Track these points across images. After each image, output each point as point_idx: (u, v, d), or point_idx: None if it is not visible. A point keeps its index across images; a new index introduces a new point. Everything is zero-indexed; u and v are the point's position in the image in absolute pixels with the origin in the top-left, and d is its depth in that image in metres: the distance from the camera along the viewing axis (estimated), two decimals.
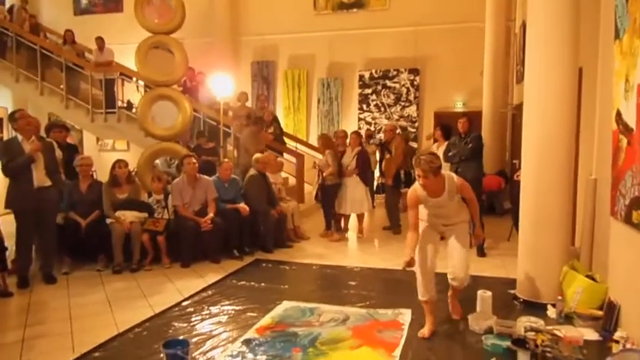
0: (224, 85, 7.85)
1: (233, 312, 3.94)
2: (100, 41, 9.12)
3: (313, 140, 10.07)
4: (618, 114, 3.33)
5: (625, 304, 3.26)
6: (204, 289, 4.50)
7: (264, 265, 5.41)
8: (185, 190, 5.48)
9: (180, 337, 3.30)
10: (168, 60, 6.80)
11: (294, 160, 8.60)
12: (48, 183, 4.61)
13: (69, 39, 9.49)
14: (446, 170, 3.95)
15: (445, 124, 6.70)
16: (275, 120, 9.02)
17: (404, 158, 7.09)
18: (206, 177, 5.68)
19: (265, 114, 8.66)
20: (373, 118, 10.75)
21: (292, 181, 8.58)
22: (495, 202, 8.34)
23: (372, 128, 10.53)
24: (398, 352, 3.18)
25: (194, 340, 3.35)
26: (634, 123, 3.03)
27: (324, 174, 6.54)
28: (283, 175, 7.66)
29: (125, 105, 8.78)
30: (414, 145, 10.27)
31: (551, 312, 3.76)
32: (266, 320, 3.74)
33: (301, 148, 9.55)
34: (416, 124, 10.51)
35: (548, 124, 3.85)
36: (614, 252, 3.55)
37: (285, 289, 4.56)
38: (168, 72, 6.81)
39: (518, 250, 4.20)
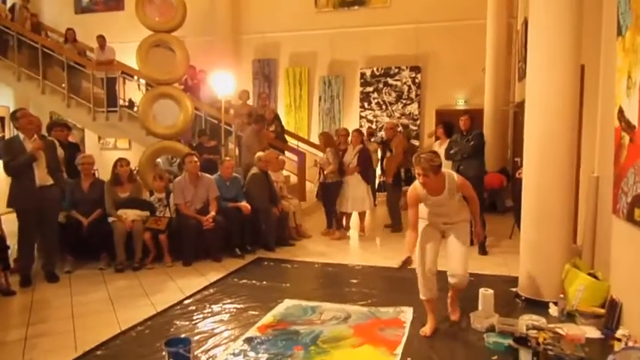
0: (225, 84, 7.84)
1: (235, 310, 3.95)
2: (101, 40, 9.15)
3: (314, 138, 10.04)
4: (620, 111, 3.32)
5: (627, 301, 3.25)
6: (205, 288, 4.51)
7: (265, 263, 5.42)
8: (187, 189, 5.48)
9: (182, 336, 3.30)
10: (169, 58, 6.81)
11: (295, 158, 8.61)
12: (50, 182, 4.61)
13: (70, 37, 9.51)
14: (448, 168, 3.93)
15: (447, 121, 6.65)
16: (276, 118, 9.00)
17: (405, 156, 7.07)
18: (208, 175, 5.67)
19: (267, 112, 8.64)
20: (375, 116, 10.74)
21: (294, 179, 8.58)
22: (497, 200, 8.32)
23: (374, 126, 10.50)
24: (399, 350, 3.18)
25: (196, 338, 3.36)
26: (636, 120, 3.02)
27: (325, 172, 6.54)
28: (285, 173, 7.66)
29: (127, 103, 8.78)
30: (416, 142, 10.27)
31: (553, 310, 3.76)
32: (268, 318, 3.74)
33: (302, 146, 9.54)
34: (417, 122, 10.50)
35: (550, 122, 3.83)
36: (616, 250, 3.54)
37: (287, 287, 4.56)
38: (169, 70, 6.82)
39: (520, 248, 4.20)
